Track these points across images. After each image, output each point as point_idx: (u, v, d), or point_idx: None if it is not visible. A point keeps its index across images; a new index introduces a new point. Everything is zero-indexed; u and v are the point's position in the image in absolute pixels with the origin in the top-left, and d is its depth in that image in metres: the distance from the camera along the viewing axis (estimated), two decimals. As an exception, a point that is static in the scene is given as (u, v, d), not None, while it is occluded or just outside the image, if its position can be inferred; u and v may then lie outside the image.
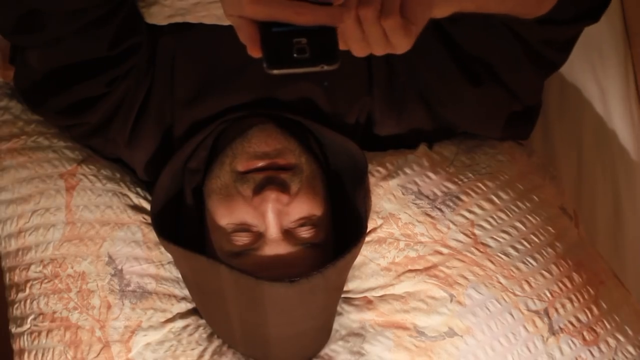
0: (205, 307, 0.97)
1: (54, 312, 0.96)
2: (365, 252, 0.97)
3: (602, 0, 0.89)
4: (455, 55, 0.96)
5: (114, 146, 1.02)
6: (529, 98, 1.02)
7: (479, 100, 0.98)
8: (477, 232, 0.96)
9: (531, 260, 0.95)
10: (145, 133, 1.00)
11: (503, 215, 0.97)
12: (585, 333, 0.94)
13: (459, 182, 0.99)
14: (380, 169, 1.00)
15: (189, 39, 0.98)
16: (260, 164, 0.89)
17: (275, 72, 0.61)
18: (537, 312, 0.93)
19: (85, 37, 0.89)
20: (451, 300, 0.94)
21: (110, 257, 0.98)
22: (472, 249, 0.96)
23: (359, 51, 0.65)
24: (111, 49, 0.92)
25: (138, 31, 0.95)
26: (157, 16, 0.96)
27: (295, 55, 0.61)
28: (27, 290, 0.98)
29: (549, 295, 0.94)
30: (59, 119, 1.01)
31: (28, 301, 0.98)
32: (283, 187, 0.87)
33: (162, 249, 0.99)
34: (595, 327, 0.94)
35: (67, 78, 0.93)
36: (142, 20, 0.96)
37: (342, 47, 0.63)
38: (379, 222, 0.98)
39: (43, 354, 0.96)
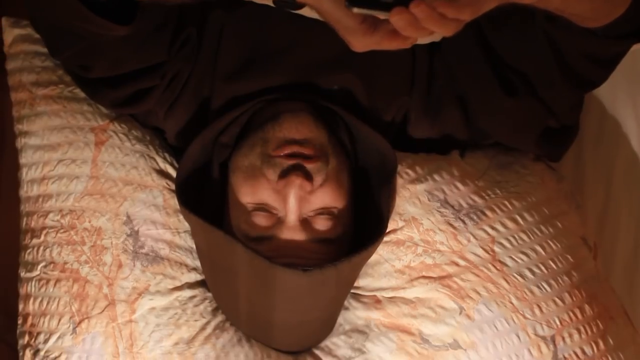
0: (214, 282, 0.97)
1: (65, 263, 0.97)
2: (382, 252, 0.97)
3: None
4: (493, 63, 0.95)
5: (154, 118, 1.03)
6: (564, 116, 1.00)
7: (513, 111, 0.97)
8: (496, 249, 0.96)
9: (546, 286, 0.95)
10: (182, 103, 1.00)
11: (524, 237, 0.97)
12: (588, 366, 0.93)
13: (486, 197, 0.99)
14: (410, 171, 1.00)
15: (238, 15, 0.98)
16: (287, 150, 0.89)
17: (355, 10, 0.58)
18: (543, 338, 0.93)
19: (146, 50, 0.90)
20: (460, 313, 0.94)
21: (128, 217, 0.98)
22: (489, 265, 0.95)
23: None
24: (170, 52, 0.93)
25: (190, 21, 0.95)
26: None
27: None
28: (42, 237, 0.98)
29: (558, 322, 0.94)
30: (114, 109, 1.02)
31: (41, 248, 0.98)
32: (308, 176, 0.87)
33: (181, 217, 0.99)
34: (598, 362, 0.94)
35: (124, 77, 0.94)
36: (191, 6, 0.95)
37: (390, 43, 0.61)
38: (400, 224, 0.98)
39: (48, 302, 0.96)
